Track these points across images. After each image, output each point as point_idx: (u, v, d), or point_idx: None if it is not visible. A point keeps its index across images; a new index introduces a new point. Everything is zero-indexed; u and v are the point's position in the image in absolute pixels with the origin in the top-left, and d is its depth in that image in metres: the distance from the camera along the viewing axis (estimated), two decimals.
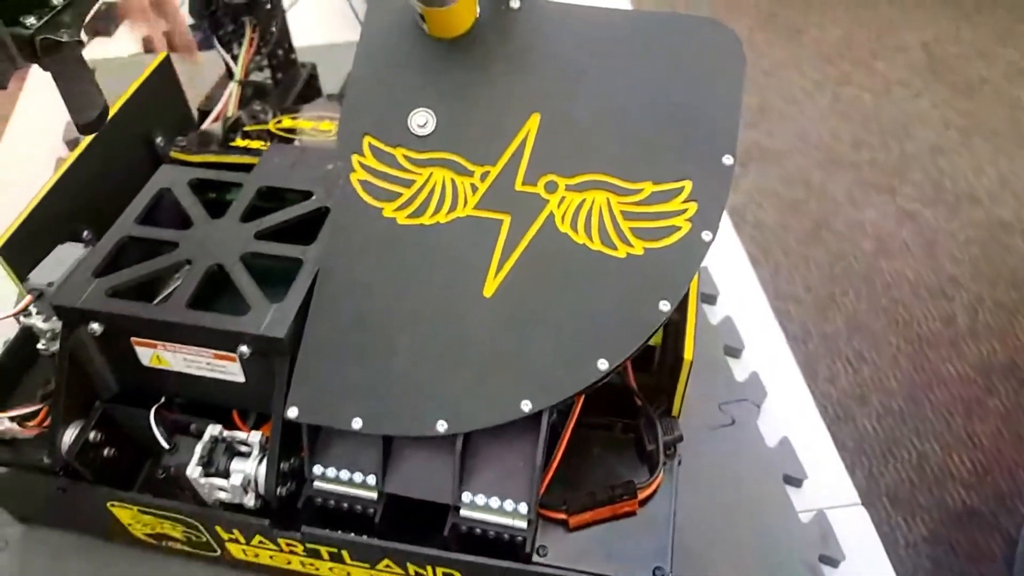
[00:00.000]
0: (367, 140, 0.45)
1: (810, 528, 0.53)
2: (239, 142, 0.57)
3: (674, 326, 0.47)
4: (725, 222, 0.76)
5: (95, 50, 0.96)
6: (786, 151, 1.82)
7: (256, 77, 0.72)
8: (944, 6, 2.20)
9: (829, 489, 0.56)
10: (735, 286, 0.69)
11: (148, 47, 0.69)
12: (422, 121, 0.45)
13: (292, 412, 0.41)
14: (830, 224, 1.66)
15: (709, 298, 0.68)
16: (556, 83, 0.45)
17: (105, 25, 0.99)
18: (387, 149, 0.45)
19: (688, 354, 0.43)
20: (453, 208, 0.44)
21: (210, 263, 0.46)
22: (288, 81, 0.74)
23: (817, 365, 1.43)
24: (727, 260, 0.72)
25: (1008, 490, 1.24)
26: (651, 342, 0.47)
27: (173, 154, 0.57)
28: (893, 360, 1.43)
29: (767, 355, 0.64)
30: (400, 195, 0.44)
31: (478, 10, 0.46)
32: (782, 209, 1.69)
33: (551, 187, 0.44)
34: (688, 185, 0.42)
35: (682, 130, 0.44)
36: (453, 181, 0.44)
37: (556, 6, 0.47)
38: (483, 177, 0.44)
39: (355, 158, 0.45)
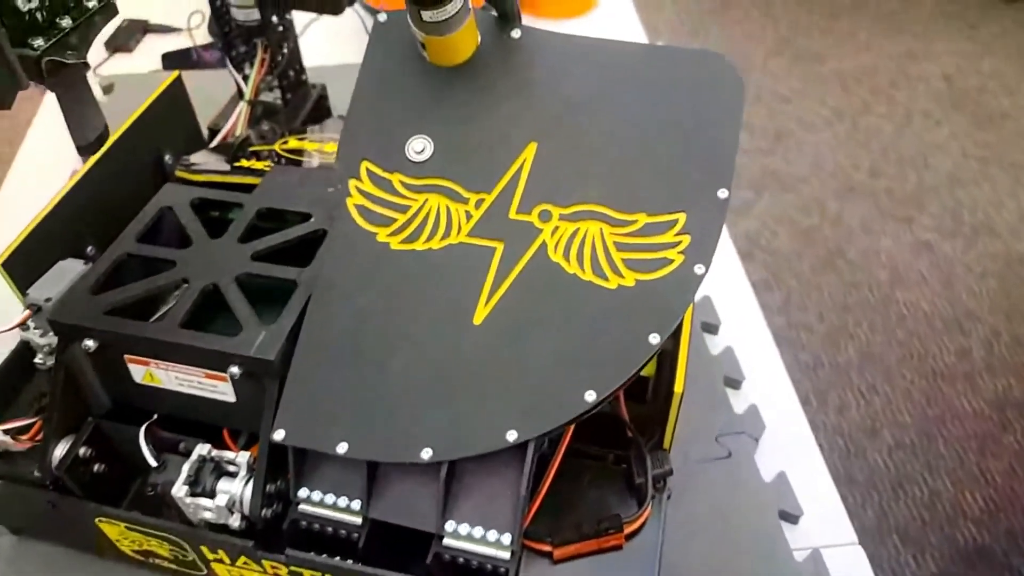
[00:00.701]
0: (365, 165, 0.46)
1: (805, 567, 0.52)
2: (243, 163, 0.57)
3: (669, 356, 0.47)
4: (730, 250, 0.76)
5: (115, 66, 0.99)
6: (802, 178, 1.81)
7: (267, 97, 0.73)
8: (966, 38, 2.19)
9: (826, 527, 0.55)
10: (738, 316, 0.69)
11: None
12: (419, 147, 0.46)
13: (279, 434, 0.41)
14: (845, 253, 1.65)
15: (711, 327, 0.67)
16: (554, 113, 0.45)
17: (126, 42, 1.01)
18: (384, 175, 0.46)
19: (679, 387, 0.42)
20: (447, 234, 0.44)
21: (206, 283, 0.46)
22: (298, 101, 0.75)
23: (828, 395, 1.41)
24: (731, 289, 0.71)
25: (1020, 529, 1.21)
26: (644, 372, 0.46)
27: (178, 173, 0.58)
28: (906, 393, 1.41)
29: (767, 388, 0.63)
30: (395, 220, 0.45)
31: (479, 38, 0.47)
32: (796, 236, 1.68)
33: (545, 216, 0.44)
34: (682, 218, 0.42)
35: (678, 162, 0.44)
36: (448, 208, 0.44)
37: (556, 36, 0.47)
38: (478, 204, 0.44)
39: (352, 183, 0.46)
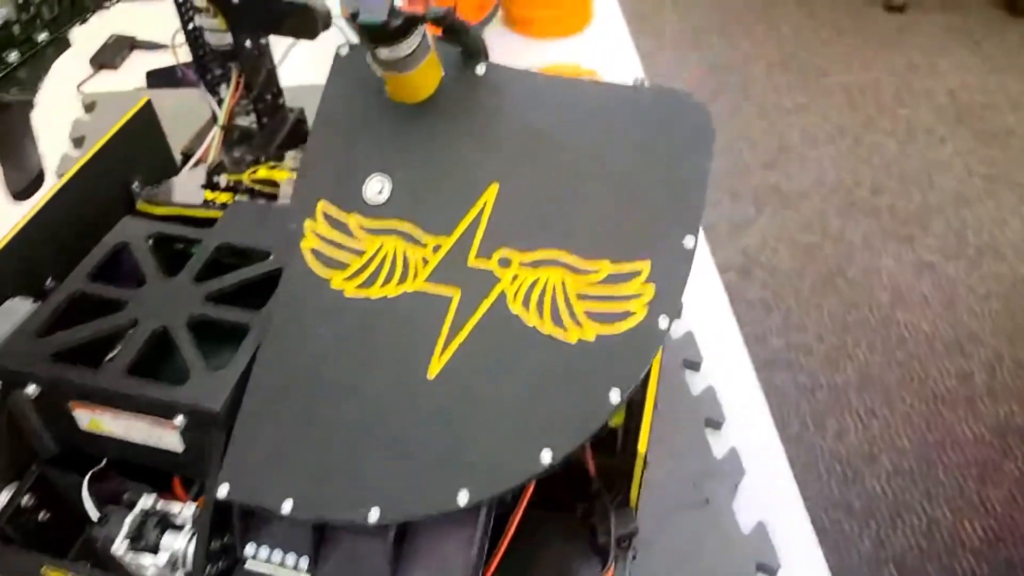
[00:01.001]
0: (321, 205, 0.44)
1: None
2: (208, 195, 0.56)
3: (638, 406, 0.45)
4: (715, 280, 0.74)
5: (100, 82, 0.97)
6: (803, 194, 1.79)
7: (243, 121, 0.72)
8: (972, 54, 2.16)
9: None
10: (722, 351, 0.67)
11: None
12: (378, 188, 0.44)
13: (223, 490, 0.39)
14: (846, 272, 1.62)
15: (692, 365, 0.65)
16: (517, 153, 0.44)
17: (111, 59, 1.00)
18: (340, 216, 0.44)
19: (642, 446, 0.40)
20: (403, 280, 0.42)
21: (156, 325, 0.44)
22: (275, 126, 0.73)
23: (826, 419, 1.39)
24: (714, 325, 0.69)
25: (1020, 560, 1.18)
26: (613, 423, 0.45)
27: (140, 205, 0.56)
28: (906, 417, 1.38)
29: (750, 430, 0.61)
30: (349, 265, 0.43)
31: (443, 73, 0.45)
32: (796, 254, 1.66)
33: (505, 263, 0.42)
34: (646, 267, 0.40)
35: (644, 207, 0.42)
36: (405, 252, 0.43)
37: (522, 74, 0.46)
38: (436, 249, 0.43)
39: (308, 224, 0.44)
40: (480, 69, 0.45)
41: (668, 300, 0.40)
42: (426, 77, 0.44)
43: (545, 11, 1.01)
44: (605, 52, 1.00)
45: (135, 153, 0.62)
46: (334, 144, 0.45)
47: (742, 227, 1.71)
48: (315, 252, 0.43)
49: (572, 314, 0.40)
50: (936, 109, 1.99)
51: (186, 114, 0.72)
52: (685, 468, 0.57)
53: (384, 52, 0.41)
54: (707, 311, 0.69)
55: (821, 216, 1.74)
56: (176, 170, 0.67)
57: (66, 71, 0.98)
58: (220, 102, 0.69)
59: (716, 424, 0.61)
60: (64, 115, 0.91)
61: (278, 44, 0.76)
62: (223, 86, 0.70)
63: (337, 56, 0.47)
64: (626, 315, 0.40)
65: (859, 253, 1.66)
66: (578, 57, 0.96)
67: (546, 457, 0.38)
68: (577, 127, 0.44)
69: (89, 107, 0.91)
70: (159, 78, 0.95)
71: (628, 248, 0.41)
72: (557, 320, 0.40)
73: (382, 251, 0.43)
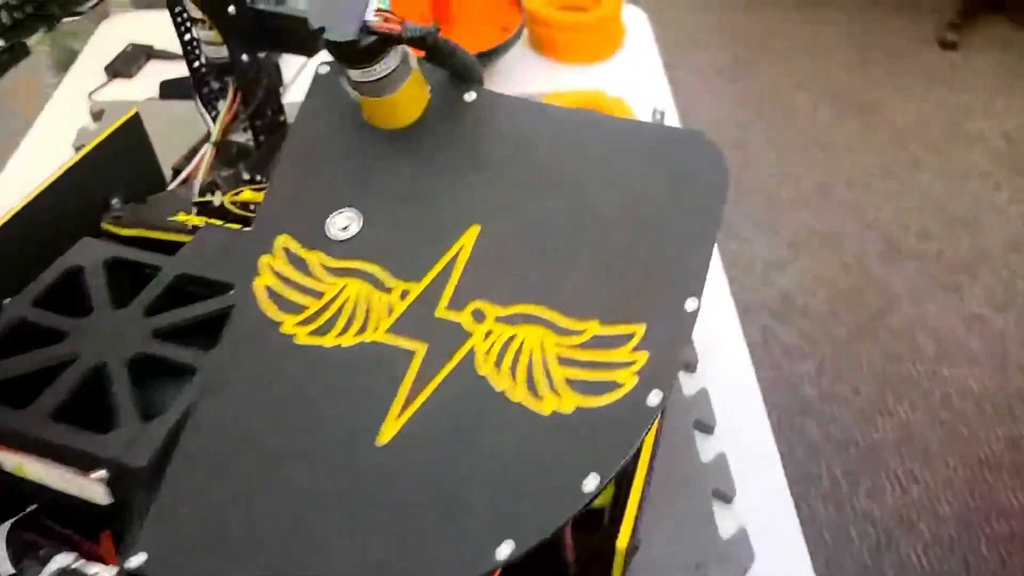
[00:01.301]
0: (282, 240, 0.40)
1: None
2: (181, 216, 0.52)
3: (628, 479, 0.39)
4: (736, 332, 0.67)
5: (114, 91, 0.95)
6: (845, 236, 1.70)
7: (240, 138, 0.68)
8: None
9: None
10: (739, 412, 0.60)
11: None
12: (344, 223, 0.39)
13: (137, 559, 0.35)
14: (887, 320, 1.53)
15: (705, 428, 0.59)
16: (503, 191, 0.39)
17: (127, 67, 0.98)
18: (302, 253, 0.39)
19: (622, 542, 0.35)
20: (363, 330, 0.37)
21: (95, 361, 0.40)
22: (273, 144, 0.69)
23: (859, 477, 1.30)
24: (733, 382, 0.63)
25: None
26: (597, 503, 0.39)
27: (104, 225, 0.53)
28: (947, 482, 1.28)
29: (763, 507, 0.54)
30: (306, 308, 0.38)
31: (428, 97, 0.41)
32: (835, 298, 1.57)
33: (479, 316, 0.36)
34: (640, 330, 0.35)
35: (643, 262, 0.36)
36: (368, 298, 0.38)
37: (517, 103, 0.41)
38: (403, 295, 0.37)
39: (264, 260, 0.39)
40: (469, 96, 0.40)
41: (662, 372, 0.34)
42: (407, 102, 0.39)
43: (572, 34, 0.96)
44: (634, 80, 0.95)
45: (117, 168, 0.58)
46: (304, 171, 0.41)
47: (777, 267, 1.63)
48: (270, 291, 0.39)
49: (549, 380, 0.35)
50: (990, 152, 1.90)
51: (197, 126, 0.69)
52: (687, 548, 0.50)
53: (356, 74, 0.36)
54: (725, 365, 0.63)
55: (862, 260, 1.65)
56: (165, 187, 0.63)
57: (80, 78, 0.97)
58: (216, 117, 0.66)
59: (726, 498, 0.55)
60: (72, 122, 0.88)
61: (291, 60, 0.73)
62: (220, 101, 0.66)
63: (316, 74, 0.42)
64: (612, 386, 0.34)
65: (902, 301, 1.57)
66: (605, 84, 0.91)
67: (504, 551, 0.32)
68: (574, 167, 0.38)
69: (97, 115, 0.89)
70: (173, 88, 0.93)
71: (620, 308, 0.35)
72: (531, 386, 0.35)
73: (343, 294, 0.38)
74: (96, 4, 0.49)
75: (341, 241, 0.39)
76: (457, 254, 0.38)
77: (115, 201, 0.58)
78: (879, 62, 2.20)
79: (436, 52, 0.38)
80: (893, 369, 1.45)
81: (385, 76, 0.37)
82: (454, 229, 0.38)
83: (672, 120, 0.90)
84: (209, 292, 0.45)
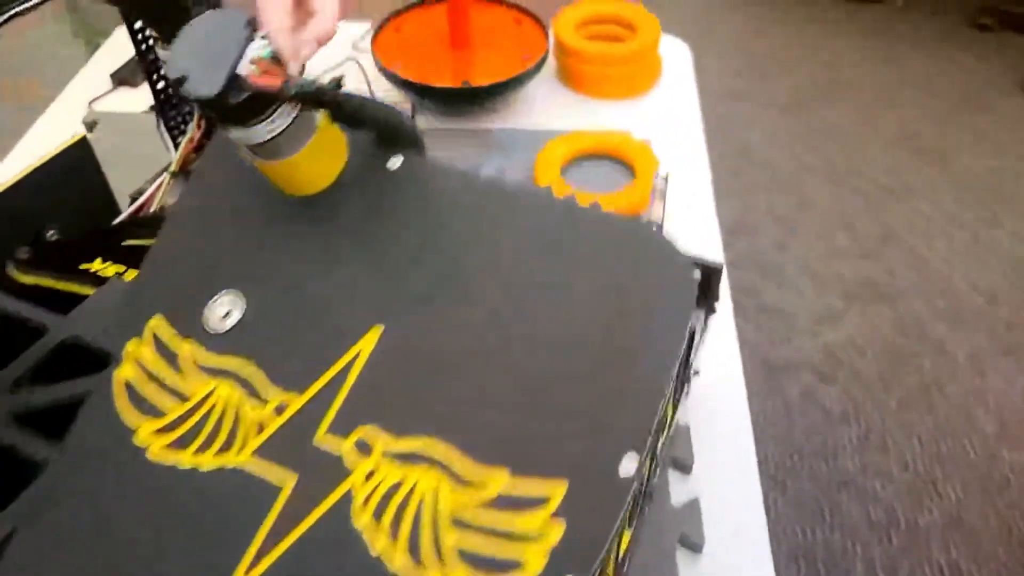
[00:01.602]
0: (154, 324, 0.33)
1: None
2: (95, 264, 0.46)
3: None
4: (738, 395, 0.58)
5: (116, 99, 0.92)
6: (904, 292, 1.57)
7: None
8: None
9: None
10: (737, 532, 0.51)
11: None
12: (224, 311, 0.32)
13: None
14: (945, 390, 1.39)
15: (693, 546, 0.50)
16: (416, 287, 0.31)
17: (133, 76, 0.94)
18: (173, 344, 0.32)
19: None
20: (226, 448, 0.30)
21: None
22: None
23: (899, 564, 1.17)
24: (732, 487, 0.53)
25: None
26: None
27: (7, 270, 0.47)
28: None
29: None
30: (166, 413, 0.31)
31: (345, 161, 0.33)
32: (888, 361, 1.44)
33: (363, 448, 0.29)
34: (559, 492, 0.27)
35: (574, 398, 0.28)
36: (238, 409, 0.31)
37: (454, 176, 0.33)
38: (279, 410, 0.30)
39: (130, 347, 0.33)
40: (394, 162, 0.33)
41: (581, 550, 0.26)
42: (310, 165, 0.32)
43: (602, 68, 0.88)
44: (668, 120, 0.86)
45: (57, 198, 0.53)
46: (189, 243, 0.34)
47: (826, 321, 1.51)
48: (129, 387, 0.32)
49: (437, 547, 0.27)
50: None
51: None
52: None
53: (238, 134, 0.29)
54: (723, 465, 0.54)
55: (921, 320, 1.51)
56: (115, 216, 0.58)
57: (84, 85, 0.93)
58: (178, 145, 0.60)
59: None
60: (66, 131, 0.84)
61: None
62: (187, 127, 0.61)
63: (218, 129, 0.36)
64: (512, 566, 0.26)
65: (963, 370, 1.42)
66: (635, 123, 0.82)
67: None
68: (506, 265, 0.31)
69: (90, 126, 0.85)
70: None
71: (538, 456, 0.27)
72: (414, 550, 0.27)
73: (210, 400, 0.31)
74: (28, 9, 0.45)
75: (217, 332, 0.32)
76: (352, 362, 0.30)
77: (50, 233, 0.52)
78: (957, 106, 2.04)
79: (339, 111, 0.30)
80: (947, 446, 1.31)
81: (279, 135, 0.30)
82: (352, 330, 0.31)
83: (702, 162, 0.81)
84: (97, 364, 0.38)
